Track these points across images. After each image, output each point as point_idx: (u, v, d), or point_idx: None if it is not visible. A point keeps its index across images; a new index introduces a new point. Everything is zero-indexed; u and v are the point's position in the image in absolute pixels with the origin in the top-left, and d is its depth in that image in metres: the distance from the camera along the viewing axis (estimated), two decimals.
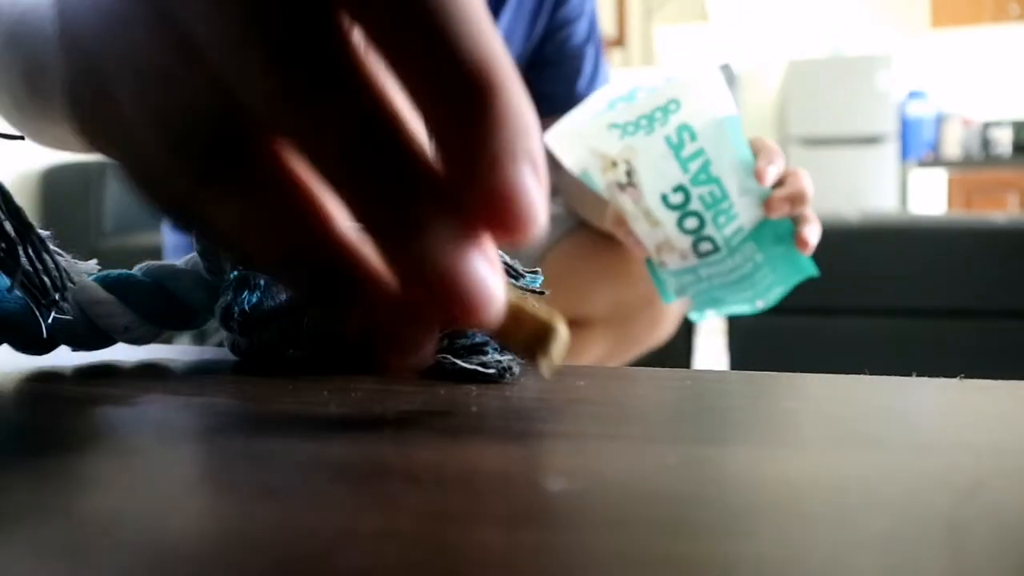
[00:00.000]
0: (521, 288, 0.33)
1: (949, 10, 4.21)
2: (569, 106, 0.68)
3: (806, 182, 0.61)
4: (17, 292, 0.29)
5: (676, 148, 0.58)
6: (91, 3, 0.17)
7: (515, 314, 0.25)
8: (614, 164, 0.61)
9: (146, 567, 0.13)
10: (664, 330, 0.92)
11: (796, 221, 0.62)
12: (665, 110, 0.58)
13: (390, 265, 0.16)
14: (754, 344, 1.44)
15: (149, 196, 0.17)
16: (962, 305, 1.35)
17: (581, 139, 0.62)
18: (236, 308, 0.32)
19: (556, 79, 0.90)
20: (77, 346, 0.35)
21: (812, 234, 0.62)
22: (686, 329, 1.46)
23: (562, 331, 0.25)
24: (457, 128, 0.15)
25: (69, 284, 0.30)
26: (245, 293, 0.32)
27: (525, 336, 0.24)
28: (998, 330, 1.35)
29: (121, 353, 0.37)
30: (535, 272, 0.34)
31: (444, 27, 0.14)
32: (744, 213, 0.61)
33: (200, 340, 0.86)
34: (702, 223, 0.60)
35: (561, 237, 0.87)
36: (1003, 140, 4.01)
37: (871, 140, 4.01)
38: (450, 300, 0.16)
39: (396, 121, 0.15)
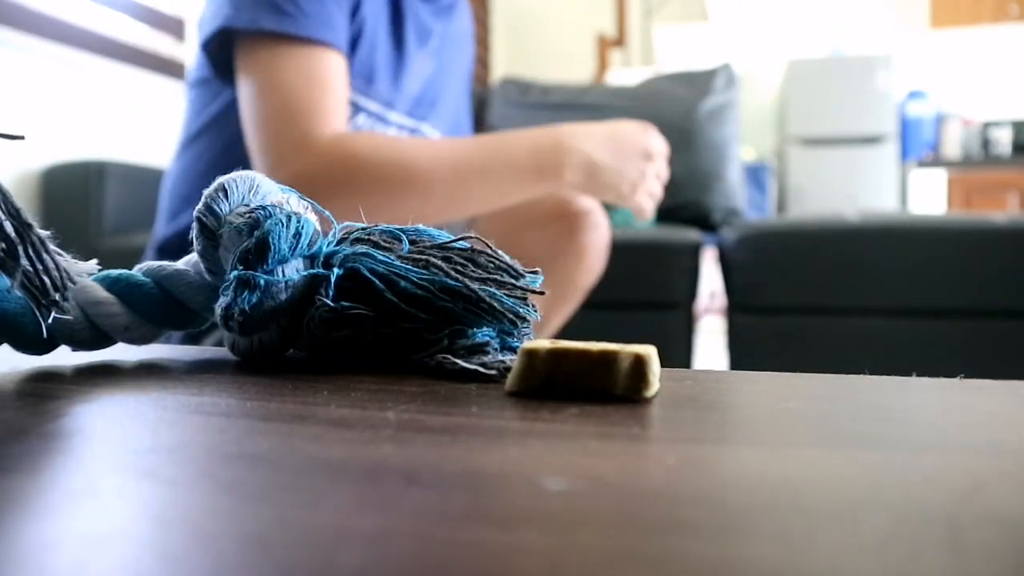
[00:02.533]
0: (521, 288, 0.33)
1: (949, 10, 4.21)
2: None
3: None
4: (17, 292, 0.29)
5: None
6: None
7: (608, 360, 0.26)
8: None
9: (146, 567, 0.13)
10: (595, 258, 1.00)
11: None
12: None
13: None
14: (754, 344, 1.44)
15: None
16: (962, 305, 1.35)
17: None
18: (236, 308, 0.32)
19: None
20: (77, 346, 0.35)
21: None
22: (686, 329, 1.46)
23: (654, 355, 0.26)
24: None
25: (69, 284, 0.30)
26: (245, 293, 0.32)
27: (623, 375, 0.25)
28: (998, 330, 1.35)
29: (121, 353, 0.37)
30: (535, 272, 0.34)
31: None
32: None
33: (194, 340, 0.87)
34: None
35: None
36: (1003, 140, 4.01)
37: (871, 140, 4.01)
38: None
39: None
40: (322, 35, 0.82)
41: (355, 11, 0.89)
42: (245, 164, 0.85)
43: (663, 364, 0.28)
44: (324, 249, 0.34)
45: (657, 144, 0.89)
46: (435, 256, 0.33)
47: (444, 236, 0.35)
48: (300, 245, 0.33)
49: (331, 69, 0.83)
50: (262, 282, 0.32)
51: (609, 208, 1.47)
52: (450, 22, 1.05)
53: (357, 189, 0.78)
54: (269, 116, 0.81)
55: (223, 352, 0.37)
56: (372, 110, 0.94)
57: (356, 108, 0.93)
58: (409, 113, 1.00)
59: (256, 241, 0.32)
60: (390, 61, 0.95)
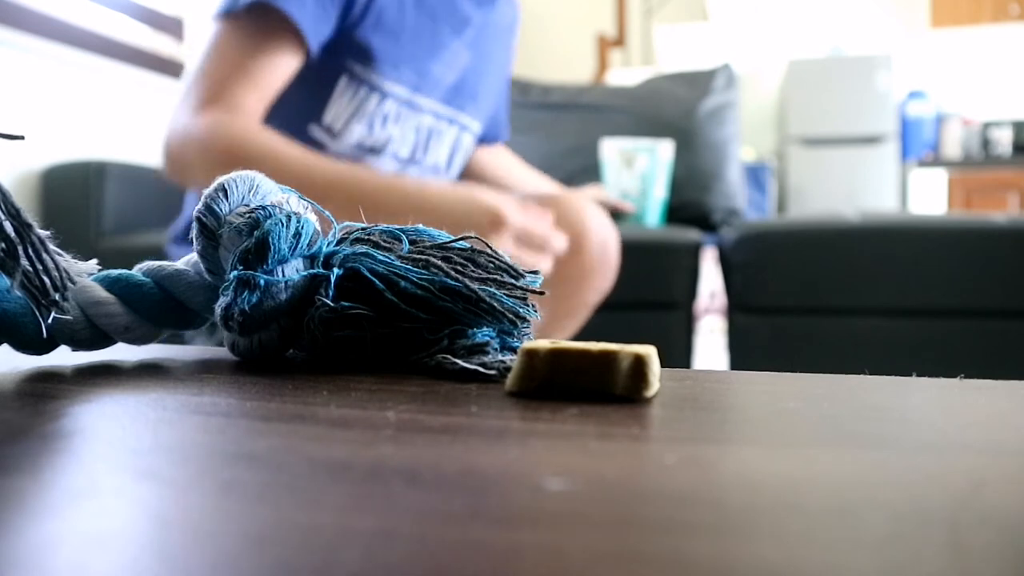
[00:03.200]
0: (522, 288, 0.33)
1: (949, 10, 4.21)
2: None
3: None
4: (17, 292, 0.29)
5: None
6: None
7: (608, 360, 0.26)
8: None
9: (146, 567, 0.13)
10: (602, 278, 0.96)
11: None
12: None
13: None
14: (754, 344, 1.44)
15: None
16: (962, 305, 1.35)
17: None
18: (236, 308, 0.32)
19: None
20: (77, 346, 0.35)
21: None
22: (686, 329, 1.46)
23: (654, 355, 0.26)
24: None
25: (69, 284, 0.30)
26: (245, 293, 0.32)
27: (623, 375, 0.25)
28: (998, 330, 1.35)
29: (121, 353, 0.37)
30: (535, 273, 0.34)
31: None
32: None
33: (211, 334, 0.88)
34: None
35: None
36: (1003, 140, 4.01)
37: (871, 140, 4.01)
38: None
39: None
40: (286, 6, 0.85)
41: (367, 3, 0.91)
42: None
43: (663, 364, 0.28)
44: (324, 249, 0.34)
45: (508, 240, 0.80)
46: (435, 256, 0.33)
47: (444, 236, 0.35)
48: (300, 245, 0.33)
49: (272, 66, 0.87)
50: (262, 282, 0.32)
51: (617, 216, 1.51)
52: (491, 12, 1.05)
53: (213, 165, 0.82)
54: (200, 74, 0.88)
55: (223, 352, 0.37)
56: (399, 94, 0.95)
57: (383, 94, 0.95)
58: (446, 101, 1.01)
59: (256, 241, 0.32)
60: (420, 47, 0.96)
